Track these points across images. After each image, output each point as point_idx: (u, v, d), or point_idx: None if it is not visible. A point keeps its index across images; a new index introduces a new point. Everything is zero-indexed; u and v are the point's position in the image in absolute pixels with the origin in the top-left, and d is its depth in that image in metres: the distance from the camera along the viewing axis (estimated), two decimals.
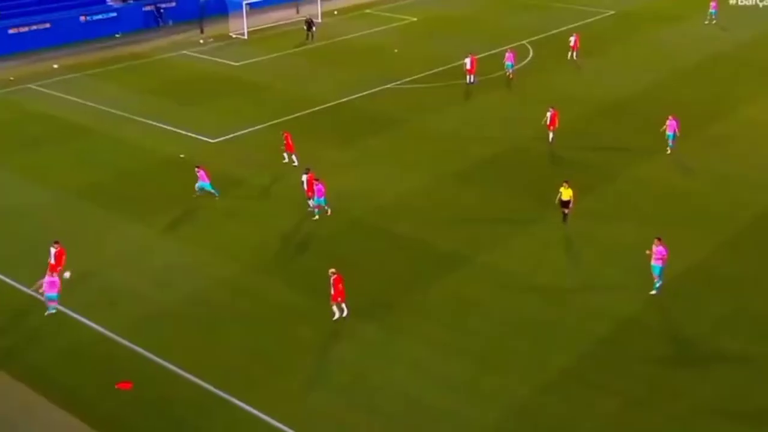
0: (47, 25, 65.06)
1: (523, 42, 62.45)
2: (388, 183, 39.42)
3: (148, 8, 70.74)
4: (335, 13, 74.38)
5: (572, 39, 58.73)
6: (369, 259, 32.97)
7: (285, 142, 41.14)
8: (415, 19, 71.75)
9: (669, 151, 41.54)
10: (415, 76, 55.15)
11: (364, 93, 52.21)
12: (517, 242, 33.77)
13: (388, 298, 30.27)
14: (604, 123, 46.28)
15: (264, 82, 55.19)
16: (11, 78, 56.86)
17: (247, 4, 68.45)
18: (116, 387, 25.74)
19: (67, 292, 30.10)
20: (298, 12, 73.82)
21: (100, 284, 31.36)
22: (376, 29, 68.24)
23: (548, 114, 43.35)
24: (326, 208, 35.86)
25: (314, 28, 65.65)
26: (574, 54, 58.48)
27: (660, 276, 29.81)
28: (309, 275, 31.68)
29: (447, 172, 40.44)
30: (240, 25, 67.29)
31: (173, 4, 71.98)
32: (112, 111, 49.56)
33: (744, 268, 31.90)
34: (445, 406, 25.04)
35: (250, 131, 46.15)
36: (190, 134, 45.86)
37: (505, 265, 32.14)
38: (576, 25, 67.87)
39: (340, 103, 50.69)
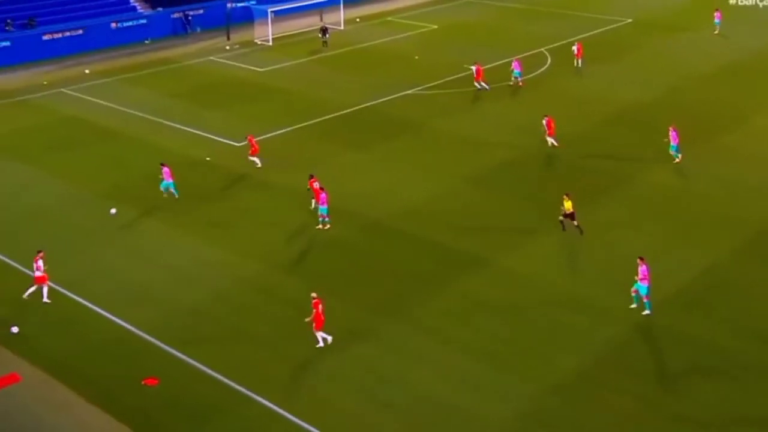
0: (80, 32, 65.56)
1: (541, 49, 62.24)
2: (406, 186, 39.41)
3: (176, 15, 71.13)
4: (357, 20, 74.44)
5: (575, 48, 58.78)
6: (387, 259, 32.98)
7: (251, 146, 41.50)
8: (435, 26, 71.68)
9: (677, 161, 41.07)
10: (435, 83, 55.10)
11: (385, 98, 52.22)
12: (533, 246, 33.66)
13: (406, 297, 30.27)
14: (618, 130, 46.04)
15: (288, 88, 55.33)
16: (45, 82, 57.34)
17: (272, 11, 68.62)
18: (143, 383, 25.90)
19: (94, 288, 30.33)
20: (321, 19, 73.89)
21: (127, 281, 31.55)
22: (397, 36, 68.23)
23: (543, 122, 43.24)
24: (327, 220, 34.95)
25: (328, 35, 65.70)
26: (579, 62, 58.46)
27: (648, 295, 28.68)
28: (329, 275, 31.73)
29: (464, 176, 40.38)
30: (265, 32, 67.50)
31: (201, 11, 72.35)
32: (141, 115, 49.85)
33: (758, 274, 31.62)
34: (460, 403, 25.00)
35: (274, 135, 46.28)
36: (215, 138, 46.07)
37: (522, 269, 32.04)
38: (593, 33, 67.60)
39: (360, 108, 50.72)
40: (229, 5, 71.93)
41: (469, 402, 25.07)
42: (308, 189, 36.58)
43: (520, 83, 53.68)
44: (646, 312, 28.89)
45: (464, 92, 53.05)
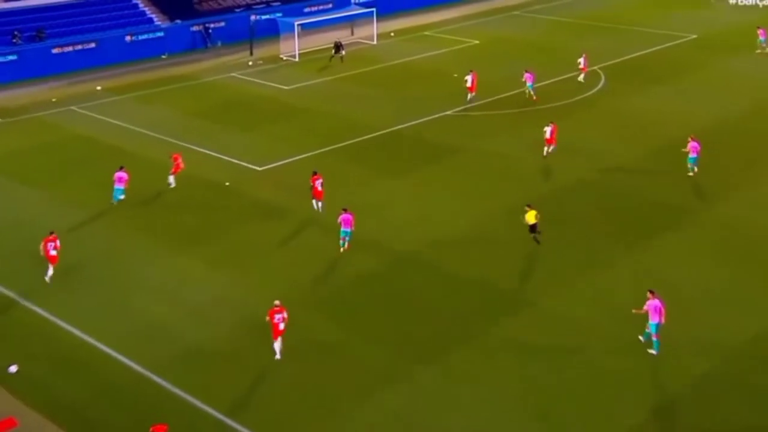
0: (92, 45, 66.42)
1: (594, 68, 62.04)
2: (442, 216, 39.17)
3: (196, 28, 71.86)
4: (392, 34, 74.76)
5: (581, 60, 59.11)
6: (423, 297, 32.66)
7: (174, 164, 42.41)
8: (477, 41, 71.79)
9: (692, 174, 42.26)
10: (476, 103, 54.97)
11: (421, 120, 52.17)
12: (582, 284, 33.17)
13: (443, 340, 29.88)
14: (678, 157, 45.44)
15: (315, 107, 55.49)
16: (53, 99, 58.02)
17: (299, 24, 69.15)
18: (151, 430, 25.70)
19: (103, 326, 30.30)
20: (353, 33, 74.36)
21: (137, 318, 31.48)
22: (435, 52, 68.37)
23: (547, 129, 44.96)
24: (347, 241, 35.63)
25: (343, 52, 65.91)
26: (583, 76, 58.91)
27: (658, 334, 28.50)
28: (359, 314, 31.47)
29: (507, 205, 40.02)
30: (291, 47, 67.94)
31: (222, 24, 73.05)
32: (156, 135, 50.20)
33: None
34: None
35: (299, 159, 46.31)
36: (235, 161, 46.20)
37: (570, 310, 31.54)
38: (652, 49, 67.30)
39: (394, 130, 50.70)
40: (252, 18, 72.55)
41: None
42: (310, 187, 38.41)
43: (534, 97, 54.33)
44: (652, 351, 28.65)
45: (508, 113, 52.88)
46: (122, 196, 40.77)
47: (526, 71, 55.56)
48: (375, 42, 71.91)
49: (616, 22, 77.50)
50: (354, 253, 35.78)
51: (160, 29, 70.40)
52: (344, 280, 34.06)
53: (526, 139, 48.38)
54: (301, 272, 34.54)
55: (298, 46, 67.90)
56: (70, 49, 65.56)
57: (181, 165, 42.72)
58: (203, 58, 68.85)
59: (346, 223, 35.69)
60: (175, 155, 43.24)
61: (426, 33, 75.61)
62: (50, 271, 33.88)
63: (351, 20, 74.72)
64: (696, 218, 38.68)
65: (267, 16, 73.92)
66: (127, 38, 68.32)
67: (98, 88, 60.43)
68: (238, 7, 75.56)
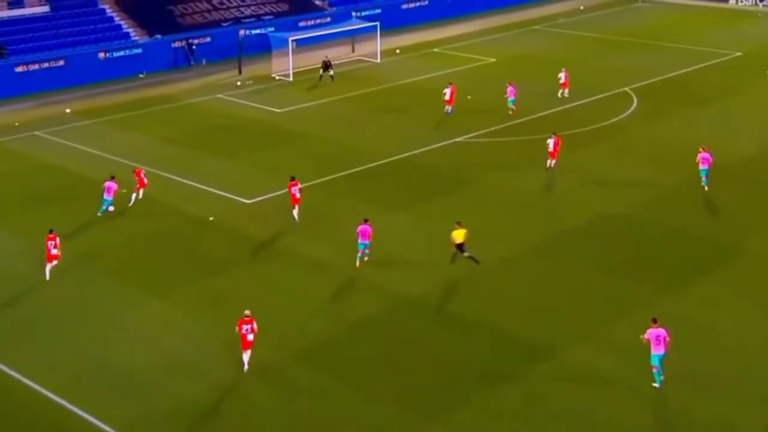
0: (61, 63, 66.86)
1: (625, 89, 62.34)
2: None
3: (178, 44, 72.31)
4: (397, 51, 75.26)
5: (562, 75, 60.56)
6: (429, 346, 32.62)
7: (138, 179, 44.74)
8: (493, 59, 72.27)
9: (706, 189, 44.57)
10: (491, 128, 55.25)
11: (429, 147, 52.39)
12: (614, 333, 33.10)
13: (452, 396, 29.83)
14: (721, 189, 45.54)
15: (311, 132, 55.77)
16: (16, 123, 58.36)
17: (293, 40, 69.61)
18: None
19: (72, 381, 30.27)
20: (354, 50, 74.89)
21: (110, 372, 31.43)
22: (446, 71, 68.72)
23: (550, 142, 47.71)
24: (365, 254, 38.02)
25: (332, 71, 66.40)
26: (565, 92, 60.47)
27: (660, 365, 29.35)
28: (358, 365, 31.43)
29: (528, 244, 40.09)
30: (285, 65, 68.37)
31: (207, 39, 73.53)
32: (132, 164, 50.31)
33: None
34: None
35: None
36: (221, 193, 46.38)
37: (600, 362, 31.47)
38: (692, 68, 67.61)
39: (399, 158, 50.89)
40: (241, 33, 73.15)
41: None
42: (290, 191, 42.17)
43: (510, 112, 57.07)
44: (656, 384, 29.40)
45: (529, 141, 53.07)
46: (111, 208, 42.99)
47: (509, 84, 57.90)
48: (378, 60, 72.41)
49: (649, 37, 78.03)
50: (352, 295, 35.85)
51: (137, 45, 70.89)
52: (341, 326, 34.05)
53: (543, 169, 48.42)
54: (293, 317, 34.54)
55: (293, 64, 68.33)
56: (36, 67, 65.98)
57: (145, 181, 44.73)
58: (186, 77, 69.29)
59: (364, 234, 37.79)
60: (137, 170, 45.13)
61: (435, 50, 76.14)
62: (48, 266, 37.22)
63: (352, 35, 75.24)
64: (738, 256, 38.69)
65: (258, 31, 74.43)
66: (101, 55, 68.81)
67: (67, 111, 60.77)
68: (226, 20, 76.08)
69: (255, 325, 30.74)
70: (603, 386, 30.19)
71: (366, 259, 37.88)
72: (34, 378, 30.77)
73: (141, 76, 69.43)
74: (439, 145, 52.85)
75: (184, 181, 47.98)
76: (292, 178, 42.56)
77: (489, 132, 54.82)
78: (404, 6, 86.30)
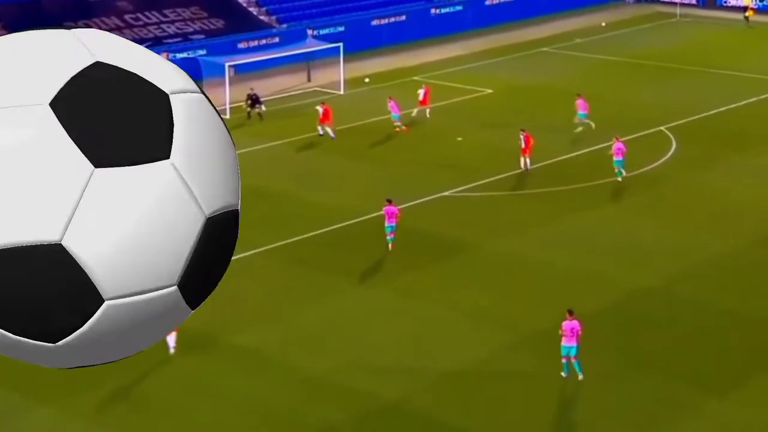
0: None
1: (661, 128, 62.80)
2: (442, 345, 39.24)
3: None
4: (366, 80, 75.48)
5: (421, 92, 65.77)
6: None
7: None
8: (489, 90, 72.74)
9: (619, 180, 53.28)
10: (487, 180, 55.52)
11: (408, 204, 52.43)
12: None
13: None
14: None
15: (255, 185, 55.67)
16: None
17: (230, 66, 69.93)
18: None
19: None
20: (309, 79, 75.32)
21: None
22: (429, 106, 69.03)
23: (522, 136, 55.51)
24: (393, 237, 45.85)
25: (262, 107, 67.39)
26: (427, 111, 66.24)
27: (577, 356, 35.89)
28: None
29: (533, 330, 40.07)
30: (221, 98, 68.53)
31: None
32: None
33: None
34: None
35: (238, 258, 46.29)
36: None
37: None
38: (745, 102, 68.22)
39: (372, 217, 50.90)
40: (163, 56, 73.41)
41: None
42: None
43: (401, 128, 62.30)
44: (581, 376, 35.79)
45: (535, 195, 53.39)
46: None
47: (390, 98, 63.23)
48: (342, 91, 72.70)
49: (690, 62, 78.70)
50: (315, 402, 35.78)
51: None
52: None
53: (556, 230, 48.72)
54: (241, 429, 34.46)
55: (230, 97, 68.47)
56: None
57: None
58: None
59: (390, 215, 45.88)
60: None
61: (415, 78, 76.33)
62: None
63: (307, 60, 75.68)
64: None
65: (185, 55, 74.63)
66: None
67: None
68: (142, 41, 76.34)
69: None
70: None
71: (392, 245, 45.60)
72: None
73: None
74: (421, 201, 52.93)
75: None
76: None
77: (483, 184, 55.03)
78: (374, 22, 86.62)
